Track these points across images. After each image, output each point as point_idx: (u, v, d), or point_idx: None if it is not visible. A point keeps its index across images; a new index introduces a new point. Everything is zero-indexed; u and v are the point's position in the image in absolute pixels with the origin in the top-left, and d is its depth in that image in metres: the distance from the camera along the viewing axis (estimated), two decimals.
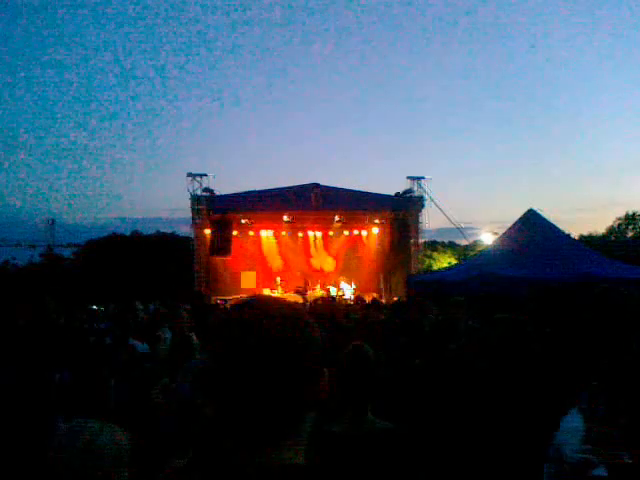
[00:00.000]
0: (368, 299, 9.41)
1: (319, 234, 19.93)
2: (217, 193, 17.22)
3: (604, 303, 2.39)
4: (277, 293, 17.15)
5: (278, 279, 18.29)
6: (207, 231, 17.35)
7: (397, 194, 17.86)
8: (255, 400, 0.85)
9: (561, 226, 12.05)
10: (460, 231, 20.54)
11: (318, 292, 17.13)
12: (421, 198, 17.38)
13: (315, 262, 20.18)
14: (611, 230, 39.41)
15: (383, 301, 14.52)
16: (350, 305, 8.59)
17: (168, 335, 5.01)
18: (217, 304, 11.89)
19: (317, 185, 17.03)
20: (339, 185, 17.78)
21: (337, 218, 18.29)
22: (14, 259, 42.48)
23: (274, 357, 0.86)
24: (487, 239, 21.63)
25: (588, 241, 33.99)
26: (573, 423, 1.27)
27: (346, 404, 2.25)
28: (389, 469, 2.05)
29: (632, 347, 1.97)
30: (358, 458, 2.04)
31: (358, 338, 2.83)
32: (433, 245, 38.72)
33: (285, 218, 18.06)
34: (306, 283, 17.29)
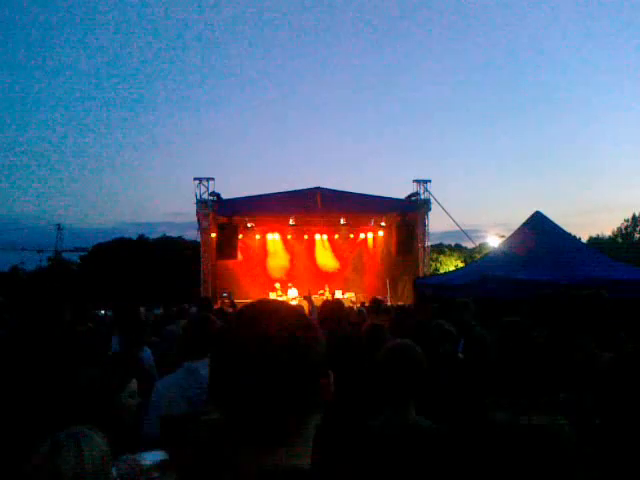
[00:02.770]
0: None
1: (325, 237, 19.96)
2: (223, 197, 17.27)
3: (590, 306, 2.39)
4: (284, 297, 17.17)
5: (278, 284, 18.30)
6: (213, 235, 17.39)
7: (408, 197, 17.82)
8: (259, 402, 0.86)
9: (568, 229, 11.98)
10: (466, 234, 20.46)
11: (326, 295, 17.12)
12: (427, 201, 17.36)
13: (321, 265, 20.18)
14: (618, 232, 39.16)
15: (388, 304, 14.48)
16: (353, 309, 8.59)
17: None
18: (223, 308, 11.91)
19: (322, 189, 17.03)
20: (344, 189, 17.81)
21: (342, 221, 18.29)
22: (22, 263, 42.78)
23: (278, 359, 0.87)
24: (493, 242, 21.54)
25: (595, 244, 33.83)
26: None
27: (388, 400, 2.20)
28: (427, 468, 1.99)
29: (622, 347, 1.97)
30: (396, 455, 2.00)
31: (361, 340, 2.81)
32: (440, 248, 38.64)
33: (291, 222, 18.08)
34: (309, 289, 17.36)
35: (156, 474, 1.74)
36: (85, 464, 1.45)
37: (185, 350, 3.35)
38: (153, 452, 1.81)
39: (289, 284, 18.28)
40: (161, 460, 1.78)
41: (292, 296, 17.29)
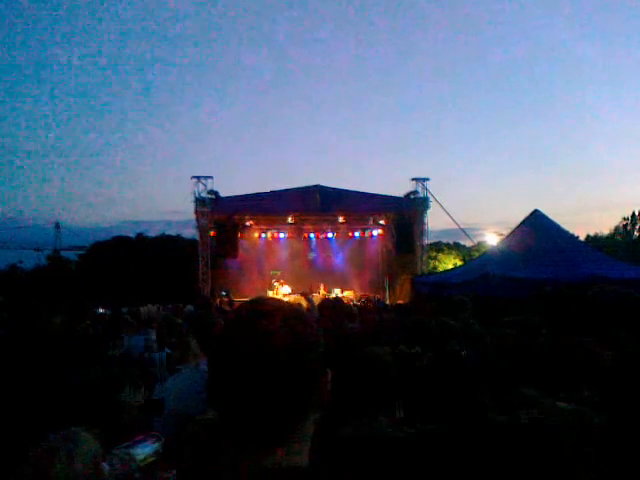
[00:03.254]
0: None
1: (323, 236, 19.96)
2: (222, 195, 17.25)
3: (596, 302, 2.38)
4: (280, 295, 17.14)
5: (275, 283, 18.29)
6: (212, 233, 17.39)
7: (407, 195, 17.83)
8: (258, 402, 0.85)
9: (567, 227, 12.00)
10: (465, 232, 20.48)
11: (321, 294, 17.10)
12: (426, 199, 17.36)
13: (319, 264, 20.17)
14: (617, 230, 39.18)
15: (387, 302, 14.49)
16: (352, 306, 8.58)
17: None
18: (221, 306, 11.91)
19: (320, 187, 17.03)
20: (343, 187, 17.81)
21: (341, 220, 18.28)
22: (21, 262, 42.66)
23: (276, 359, 0.86)
24: (492, 240, 21.53)
25: (594, 242, 33.86)
26: None
27: (358, 408, 2.17)
28: (396, 477, 2.00)
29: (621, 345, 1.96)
30: (363, 464, 1.99)
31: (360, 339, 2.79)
32: (438, 246, 38.61)
33: (289, 220, 18.07)
34: (311, 287, 17.28)
35: (151, 459, 1.73)
36: (76, 466, 1.45)
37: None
38: (145, 443, 1.80)
39: (281, 280, 18.30)
40: (154, 451, 1.78)
41: (285, 292, 17.28)
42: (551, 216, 11.82)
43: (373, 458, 1.98)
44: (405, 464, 1.95)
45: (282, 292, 17.30)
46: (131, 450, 1.70)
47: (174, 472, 1.81)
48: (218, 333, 0.95)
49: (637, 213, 38.26)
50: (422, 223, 17.61)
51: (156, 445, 1.78)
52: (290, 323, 0.90)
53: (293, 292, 17.44)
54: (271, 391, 0.85)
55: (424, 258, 17.95)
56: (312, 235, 19.94)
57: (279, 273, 18.74)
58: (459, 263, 31.79)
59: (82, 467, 1.47)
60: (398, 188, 19.91)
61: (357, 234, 20.05)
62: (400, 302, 14.04)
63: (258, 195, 17.38)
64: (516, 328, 3.15)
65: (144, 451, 1.73)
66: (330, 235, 19.92)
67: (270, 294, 16.58)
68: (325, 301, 6.20)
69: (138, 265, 32.51)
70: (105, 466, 1.55)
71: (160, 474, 1.79)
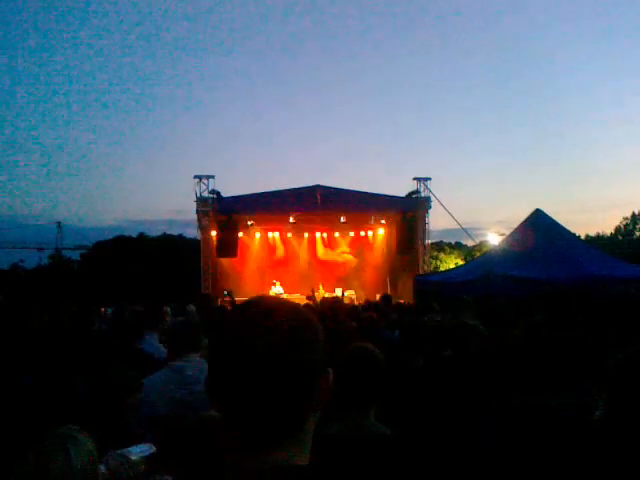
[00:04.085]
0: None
1: (325, 235, 19.93)
2: (223, 195, 17.24)
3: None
4: (282, 295, 17.10)
5: (277, 282, 18.27)
6: (213, 233, 17.38)
7: (408, 195, 17.79)
8: (259, 401, 0.85)
9: (568, 226, 11.96)
10: (466, 232, 20.42)
11: (320, 293, 17.05)
12: (427, 199, 17.33)
13: (320, 264, 20.14)
14: (618, 230, 39.14)
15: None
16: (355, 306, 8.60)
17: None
18: (223, 305, 11.90)
19: (322, 186, 17.00)
20: (344, 187, 17.78)
21: (342, 219, 18.24)
22: (22, 261, 42.72)
23: (278, 357, 0.86)
24: (494, 240, 21.48)
25: (595, 241, 33.82)
26: None
27: (347, 406, 2.15)
28: (380, 477, 1.96)
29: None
30: (351, 463, 1.95)
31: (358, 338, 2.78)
32: (440, 246, 38.62)
33: (290, 219, 18.04)
34: (313, 288, 17.17)
35: (143, 466, 1.73)
36: (73, 466, 1.44)
37: (173, 349, 3.38)
38: (140, 445, 1.81)
39: (274, 280, 18.26)
40: (149, 454, 1.78)
41: (277, 292, 17.22)
42: (552, 215, 11.80)
43: (365, 458, 1.96)
44: (398, 464, 1.94)
45: (274, 292, 17.22)
46: (125, 452, 1.70)
47: (171, 475, 1.81)
48: (218, 333, 0.95)
49: (637, 213, 38.22)
50: (424, 223, 17.56)
51: (149, 448, 1.79)
52: (291, 322, 0.90)
53: (291, 292, 17.43)
54: (272, 391, 0.85)
55: (426, 258, 17.92)
56: (314, 234, 19.90)
57: (277, 283, 18.52)
58: (461, 263, 31.76)
59: (79, 467, 1.47)
60: (399, 188, 19.86)
61: (359, 233, 20.02)
62: (401, 301, 13.98)
63: (259, 195, 17.36)
64: (522, 330, 3.14)
65: (139, 453, 1.73)
66: (331, 235, 19.89)
67: (271, 293, 16.55)
68: (324, 301, 6.20)
69: (140, 264, 32.56)
70: (101, 467, 1.55)
71: (157, 475, 1.79)
